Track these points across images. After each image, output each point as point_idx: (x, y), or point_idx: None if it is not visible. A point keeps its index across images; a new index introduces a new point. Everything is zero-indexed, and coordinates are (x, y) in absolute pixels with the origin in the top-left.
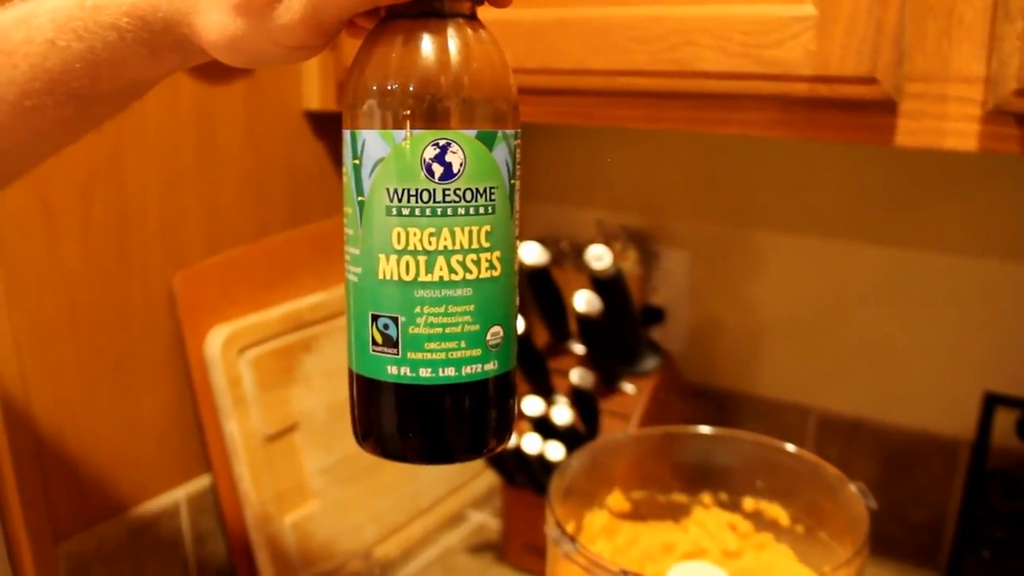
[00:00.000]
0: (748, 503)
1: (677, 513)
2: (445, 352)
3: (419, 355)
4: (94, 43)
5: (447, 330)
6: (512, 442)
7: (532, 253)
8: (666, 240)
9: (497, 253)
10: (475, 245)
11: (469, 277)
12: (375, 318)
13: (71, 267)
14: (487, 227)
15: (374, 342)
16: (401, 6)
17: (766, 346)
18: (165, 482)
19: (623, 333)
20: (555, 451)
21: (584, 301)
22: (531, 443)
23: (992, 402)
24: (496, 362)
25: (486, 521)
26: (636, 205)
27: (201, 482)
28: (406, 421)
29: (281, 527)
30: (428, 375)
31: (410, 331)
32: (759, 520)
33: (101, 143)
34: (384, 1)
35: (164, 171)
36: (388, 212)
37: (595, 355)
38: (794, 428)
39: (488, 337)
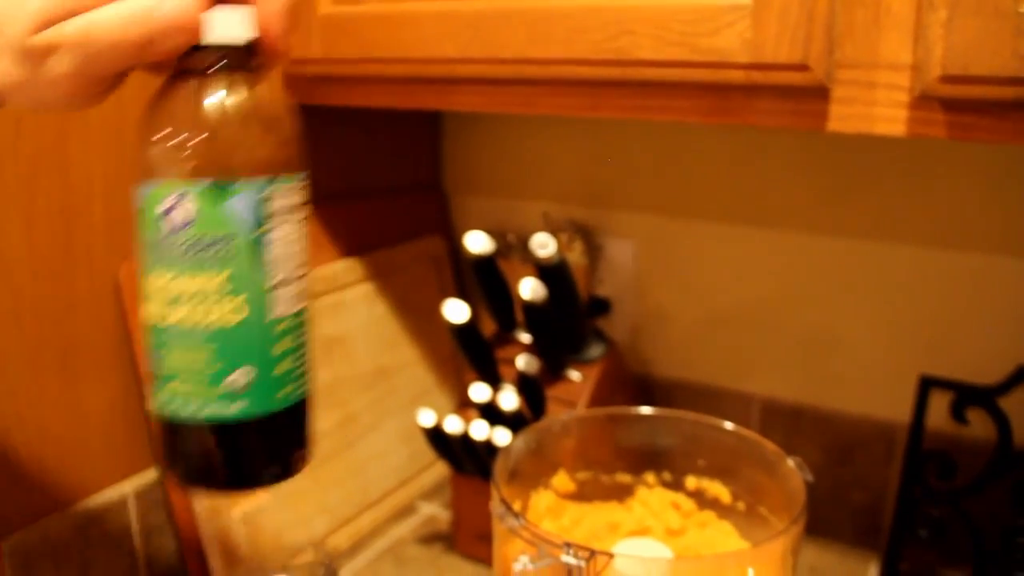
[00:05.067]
0: (690, 482)
1: (621, 493)
2: (187, 390)
3: (167, 392)
4: None
5: (192, 367)
6: (460, 429)
7: (478, 242)
8: (611, 231)
9: (242, 297)
10: (212, 291)
11: (206, 321)
12: (149, 353)
13: (15, 258)
14: (225, 274)
15: (152, 375)
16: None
17: (709, 335)
18: (112, 475)
19: (568, 321)
20: (502, 437)
21: (529, 288)
22: (479, 429)
23: (927, 385)
24: (246, 402)
25: (436, 512)
26: (581, 197)
27: (149, 475)
28: (166, 449)
29: (231, 520)
30: (174, 410)
31: (163, 368)
32: (701, 498)
33: (44, 134)
34: (148, 59)
35: (109, 162)
36: (145, 259)
37: (541, 343)
38: (738, 415)
39: (235, 377)
